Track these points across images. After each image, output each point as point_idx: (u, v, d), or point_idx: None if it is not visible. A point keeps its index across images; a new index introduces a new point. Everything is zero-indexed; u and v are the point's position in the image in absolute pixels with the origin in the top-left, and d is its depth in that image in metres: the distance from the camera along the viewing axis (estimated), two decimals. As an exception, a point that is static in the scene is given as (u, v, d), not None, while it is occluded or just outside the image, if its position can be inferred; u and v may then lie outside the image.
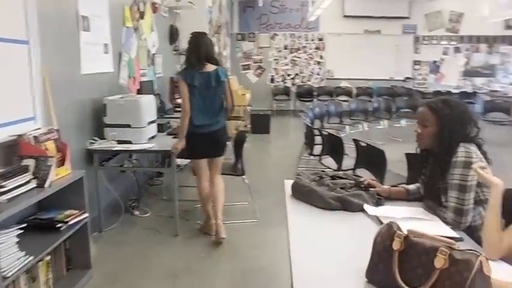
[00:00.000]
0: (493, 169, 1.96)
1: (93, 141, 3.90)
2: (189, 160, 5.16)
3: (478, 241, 1.91)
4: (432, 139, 2.21)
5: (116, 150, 3.95)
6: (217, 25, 9.67)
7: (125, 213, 4.34)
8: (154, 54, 5.91)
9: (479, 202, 2.12)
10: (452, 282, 1.26)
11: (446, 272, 1.27)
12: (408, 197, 2.43)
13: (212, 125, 3.86)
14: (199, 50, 3.80)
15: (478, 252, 1.30)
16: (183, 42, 6.88)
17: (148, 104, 4.16)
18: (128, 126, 3.94)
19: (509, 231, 1.77)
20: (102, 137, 3.99)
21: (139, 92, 4.97)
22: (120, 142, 3.93)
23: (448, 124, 2.16)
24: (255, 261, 3.53)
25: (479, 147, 2.18)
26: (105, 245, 3.74)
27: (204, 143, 3.85)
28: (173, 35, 6.88)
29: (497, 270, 1.31)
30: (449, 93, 11.73)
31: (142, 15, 5.29)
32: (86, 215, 3.01)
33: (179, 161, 4.84)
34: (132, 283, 3.19)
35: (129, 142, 3.95)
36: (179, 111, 4.17)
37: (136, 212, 4.48)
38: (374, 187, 2.41)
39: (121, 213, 4.26)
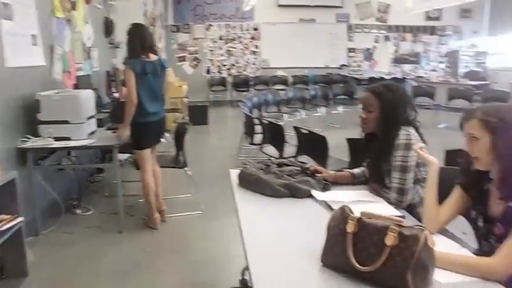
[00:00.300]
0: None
1: (26, 140, 3.68)
2: (128, 154, 5.03)
3: (418, 217, 2.02)
4: (376, 123, 2.28)
5: (54, 148, 3.76)
6: (152, 17, 9.45)
7: (66, 213, 4.16)
8: (90, 47, 5.68)
9: (417, 181, 2.23)
10: (401, 257, 1.32)
11: (397, 249, 1.33)
12: (354, 181, 2.50)
13: (160, 113, 3.95)
14: (144, 39, 3.79)
15: (422, 226, 1.37)
16: (119, 35, 6.69)
17: (87, 98, 4.00)
18: (66, 122, 3.77)
19: (444, 206, 1.87)
20: (36, 135, 3.77)
21: (76, 87, 4.77)
22: (57, 139, 3.74)
23: (391, 108, 2.24)
24: (204, 253, 3.51)
25: (417, 129, 2.28)
26: (44, 249, 3.54)
27: (153, 131, 3.94)
28: (108, 27, 6.65)
29: (437, 243, 1.38)
30: (382, 79, 12.18)
31: (74, 6, 5.05)
32: (20, 219, 2.76)
33: (120, 156, 4.69)
34: (78, 286, 3.05)
35: (68, 139, 3.78)
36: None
37: (78, 211, 4.31)
38: (320, 173, 2.46)
39: (61, 213, 4.08)
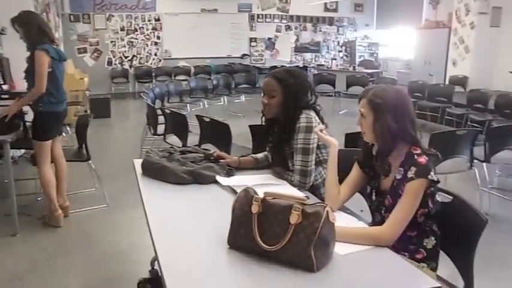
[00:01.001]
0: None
1: None
2: (24, 150, 4.70)
3: (321, 198, 2.12)
4: (279, 108, 2.34)
5: None
6: (45, 3, 8.83)
7: None
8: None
9: (319, 163, 2.34)
10: (305, 234, 1.38)
11: (300, 226, 1.39)
12: (257, 165, 2.56)
13: (65, 102, 3.82)
14: (46, 25, 3.66)
15: (324, 203, 1.46)
16: (3, 20, 6.14)
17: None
18: None
19: (344, 184, 2.01)
20: None
21: None
22: None
23: (293, 93, 2.31)
24: (110, 247, 3.39)
25: (317, 112, 2.39)
26: None
27: (59, 121, 3.84)
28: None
29: (338, 219, 1.48)
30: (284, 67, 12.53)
31: None
32: None
33: (12, 152, 4.36)
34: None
35: None
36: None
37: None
38: (224, 158, 2.49)
39: None
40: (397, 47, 12.94)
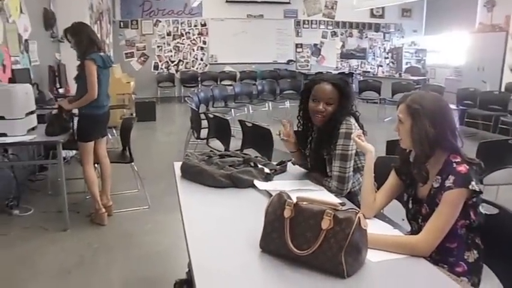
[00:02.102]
0: (367, 141, 2.14)
1: (-46, 136, 3.49)
2: (75, 151, 4.90)
3: (357, 205, 2.09)
4: (333, 115, 2.31)
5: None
6: (99, 12, 9.18)
7: (1, 214, 3.97)
8: (27, 40, 5.44)
9: (357, 169, 2.31)
10: (336, 240, 1.37)
11: (332, 232, 1.38)
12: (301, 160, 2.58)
13: (106, 106, 4.00)
14: (95, 35, 3.91)
15: (357, 209, 1.44)
16: (62, 29, 6.45)
17: (24, 93, 3.81)
18: (2, 118, 3.59)
19: (380, 191, 1.97)
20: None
21: (12, 81, 4.55)
22: (-9, 136, 3.56)
23: (349, 101, 2.30)
24: (151, 247, 3.47)
25: (357, 119, 2.36)
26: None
27: (102, 124, 4.03)
28: (48, 19, 6.38)
29: (373, 226, 1.44)
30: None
31: (6, -6, 4.81)
32: None
33: (65, 153, 4.55)
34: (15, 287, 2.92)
35: (4, 135, 3.61)
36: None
37: (16, 211, 4.10)
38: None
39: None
40: (447, 53, 12.56)
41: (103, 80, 3.82)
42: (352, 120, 2.31)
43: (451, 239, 1.68)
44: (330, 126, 2.31)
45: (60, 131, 3.72)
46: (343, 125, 2.26)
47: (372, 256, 1.49)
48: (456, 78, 10.79)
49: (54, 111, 4.00)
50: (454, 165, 1.66)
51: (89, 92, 3.69)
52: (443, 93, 8.65)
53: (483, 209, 1.77)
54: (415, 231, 1.83)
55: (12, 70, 4.76)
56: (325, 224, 1.38)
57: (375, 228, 1.65)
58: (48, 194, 4.64)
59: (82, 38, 3.74)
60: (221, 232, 1.75)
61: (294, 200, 1.51)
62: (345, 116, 2.29)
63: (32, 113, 3.91)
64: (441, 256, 1.69)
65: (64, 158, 4.50)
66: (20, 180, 4.57)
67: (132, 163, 4.26)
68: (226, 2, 12.65)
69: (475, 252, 1.73)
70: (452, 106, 8.11)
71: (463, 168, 1.64)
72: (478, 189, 1.61)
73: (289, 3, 13.20)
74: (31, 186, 4.91)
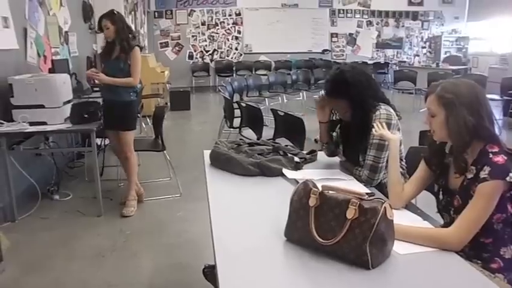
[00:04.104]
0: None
1: (-1, 124, 3.62)
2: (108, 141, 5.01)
3: (387, 196, 2.03)
4: (352, 110, 2.28)
5: (29, 132, 3.68)
6: (134, 2, 9.31)
7: (43, 199, 4.10)
8: (67, 32, 5.57)
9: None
10: (361, 230, 1.33)
11: (357, 221, 1.34)
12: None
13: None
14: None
15: (382, 199, 1.39)
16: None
17: (62, 82, 3.92)
18: (42, 106, 3.71)
19: (409, 181, 1.92)
20: (9, 120, 3.69)
21: (52, 71, 4.68)
22: (33, 124, 3.67)
23: (354, 88, 2.23)
24: (181, 235, 3.52)
25: (395, 109, 2.28)
26: (20, 235, 3.50)
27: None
28: (87, 12, 6.52)
29: (401, 217, 1.40)
30: (365, 63, 12.36)
31: (47, -12, 4.94)
32: (-5, 204, 2.77)
33: (99, 141, 4.65)
34: (54, 268, 3.03)
35: (44, 123, 3.72)
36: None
37: (56, 196, 4.26)
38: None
39: (38, 199, 4.02)
40: (491, 40, 12.07)
41: None
42: (390, 108, 2.25)
43: (487, 234, 1.60)
44: (358, 118, 2.25)
45: (89, 119, 3.80)
46: (383, 114, 2.18)
47: (399, 248, 1.44)
48: (501, 67, 10.38)
49: (75, 101, 4.05)
50: (491, 155, 1.58)
51: (134, 78, 3.77)
52: (485, 83, 8.38)
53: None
54: (447, 223, 1.76)
55: (52, 61, 4.88)
56: (350, 213, 1.34)
57: (403, 219, 1.60)
58: (85, 181, 4.77)
59: (124, 25, 3.80)
60: (247, 220, 1.74)
61: (320, 189, 1.48)
62: (368, 101, 2.22)
63: (69, 102, 4.01)
64: (475, 251, 1.62)
65: (99, 146, 4.62)
66: (59, 166, 4.74)
67: (165, 151, 4.31)
68: (261, -9, 12.60)
69: None
70: (496, 96, 7.88)
71: (500, 158, 1.55)
72: None
73: (324, -8, 13.05)
74: (70, 172, 5.08)
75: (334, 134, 2.50)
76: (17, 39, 4.11)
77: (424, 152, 1.90)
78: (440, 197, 1.81)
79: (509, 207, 1.59)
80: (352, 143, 2.35)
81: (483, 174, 1.55)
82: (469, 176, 1.63)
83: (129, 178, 4.03)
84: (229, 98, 6.06)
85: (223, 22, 12.82)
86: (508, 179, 1.52)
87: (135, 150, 4.04)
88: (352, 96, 2.22)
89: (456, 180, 1.71)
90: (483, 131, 1.62)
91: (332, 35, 13.46)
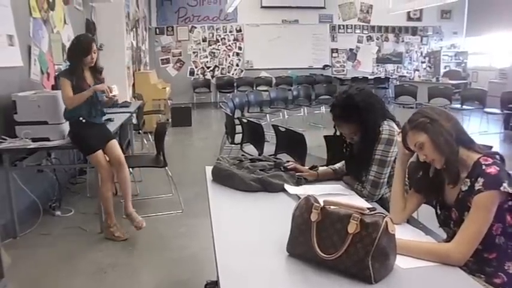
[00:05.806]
0: None
1: (2, 141, 3.62)
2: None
3: (388, 211, 2.03)
4: (362, 133, 2.27)
5: (31, 148, 3.69)
6: (135, 19, 9.41)
7: (45, 215, 4.09)
8: (70, 49, 5.63)
9: (393, 177, 2.24)
10: (362, 244, 1.34)
11: (358, 236, 1.35)
12: (336, 176, 2.49)
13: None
14: None
15: (383, 214, 1.40)
16: (101, 37, 6.64)
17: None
18: (45, 123, 3.74)
19: (408, 197, 1.93)
20: (12, 136, 3.71)
21: (54, 88, 4.72)
22: (36, 140, 3.70)
23: (366, 112, 2.21)
24: (184, 251, 3.51)
25: (398, 124, 2.28)
26: (22, 251, 3.49)
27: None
28: (90, 29, 6.59)
29: (403, 232, 1.40)
30: (366, 79, 12.45)
31: (51, 6, 5.00)
32: (-4, 221, 2.76)
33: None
34: (56, 285, 3.02)
35: (47, 139, 3.75)
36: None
37: (58, 212, 4.25)
38: (300, 171, 2.44)
39: (40, 215, 4.02)
40: (490, 55, 12.16)
41: None
42: (393, 124, 2.26)
43: (490, 249, 1.61)
44: (367, 138, 2.24)
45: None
46: (386, 130, 2.20)
47: (402, 262, 1.45)
48: (501, 81, 10.42)
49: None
50: (484, 167, 1.60)
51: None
52: (485, 97, 8.41)
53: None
54: (450, 237, 1.76)
55: (55, 77, 4.92)
56: (352, 228, 1.35)
57: (405, 234, 1.61)
58: (87, 197, 4.77)
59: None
60: (248, 235, 1.75)
61: (322, 204, 1.49)
62: (378, 121, 2.23)
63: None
64: (478, 265, 1.62)
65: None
66: (61, 183, 4.73)
67: (166, 167, 4.32)
68: (262, 7, 12.73)
69: None
70: (496, 110, 7.90)
71: (493, 169, 1.58)
72: (511, 191, 1.55)
73: (324, 8, 13.17)
74: (72, 188, 5.09)
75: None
76: (21, 56, 4.15)
77: (411, 184, 1.95)
78: (438, 211, 1.83)
79: (508, 218, 1.60)
80: (357, 163, 2.34)
81: (478, 185, 1.58)
82: (464, 188, 1.66)
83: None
84: (230, 114, 6.09)
85: (224, 38, 12.92)
86: (502, 188, 1.54)
87: (137, 166, 4.04)
88: (363, 120, 2.21)
89: (451, 194, 1.74)
90: (462, 135, 1.71)
91: (332, 50, 13.56)
